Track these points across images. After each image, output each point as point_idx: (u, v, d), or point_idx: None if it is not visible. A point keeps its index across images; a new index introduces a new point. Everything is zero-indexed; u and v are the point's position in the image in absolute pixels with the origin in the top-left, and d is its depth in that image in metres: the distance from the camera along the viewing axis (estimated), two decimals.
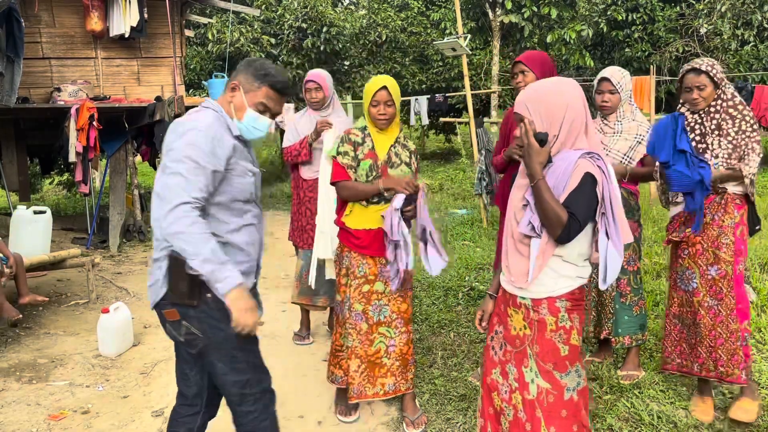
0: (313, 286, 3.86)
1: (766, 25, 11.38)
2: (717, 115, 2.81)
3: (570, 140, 2.01)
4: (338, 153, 2.91)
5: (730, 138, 2.78)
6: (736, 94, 2.83)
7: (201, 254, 1.86)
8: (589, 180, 1.95)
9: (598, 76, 3.29)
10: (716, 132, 2.82)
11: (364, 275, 2.90)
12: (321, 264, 3.88)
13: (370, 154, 2.87)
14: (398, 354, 2.92)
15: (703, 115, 2.85)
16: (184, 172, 1.91)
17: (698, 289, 2.90)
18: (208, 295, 2.00)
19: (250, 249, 2.17)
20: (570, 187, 1.95)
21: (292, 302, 4.15)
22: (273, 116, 2.16)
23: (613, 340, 3.38)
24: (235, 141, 2.10)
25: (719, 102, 2.81)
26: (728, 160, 2.79)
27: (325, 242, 3.65)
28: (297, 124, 4.00)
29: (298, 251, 4.13)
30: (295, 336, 4.24)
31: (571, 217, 1.94)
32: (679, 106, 2.97)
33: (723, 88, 2.80)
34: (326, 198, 3.64)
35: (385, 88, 2.80)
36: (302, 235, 4.04)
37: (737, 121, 2.79)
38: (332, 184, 2.95)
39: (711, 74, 2.76)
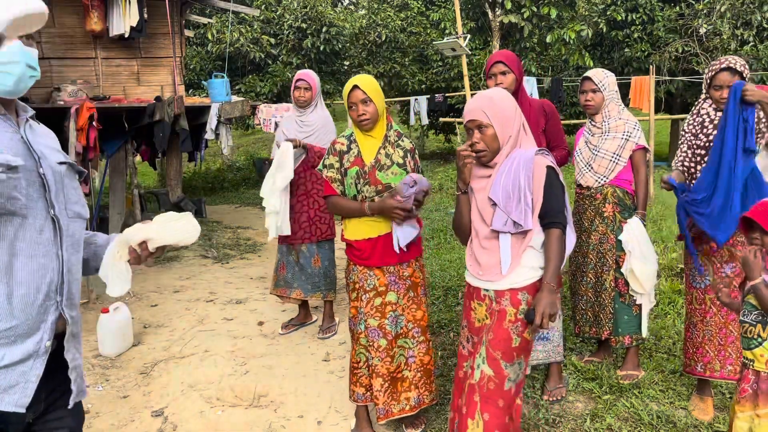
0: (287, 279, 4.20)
1: (765, 25, 11.39)
2: None
3: (521, 139, 2.25)
4: (324, 166, 2.83)
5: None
6: None
7: None
8: (553, 173, 2.18)
9: (582, 77, 3.32)
10: None
11: (374, 288, 2.78)
12: (296, 260, 4.16)
13: (356, 161, 2.76)
14: (419, 365, 2.83)
15: None
16: None
17: (711, 286, 2.87)
18: None
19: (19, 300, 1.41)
20: (537, 180, 2.15)
21: (270, 293, 4.41)
22: (28, 37, 1.44)
23: (612, 340, 3.38)
24: None
25: None
26: None
27: (271, 222, 3.99)
28: (282, 126, 4.20)
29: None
30: (282, 326, 4.40)
31: (559, 214, 2.15)
32: (701, 101, 2.95)
33: None
34: (270, 180, 3.94)
35: (356, 87, 2.66)
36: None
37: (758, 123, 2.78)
38: (324, 198, 2.91)
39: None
